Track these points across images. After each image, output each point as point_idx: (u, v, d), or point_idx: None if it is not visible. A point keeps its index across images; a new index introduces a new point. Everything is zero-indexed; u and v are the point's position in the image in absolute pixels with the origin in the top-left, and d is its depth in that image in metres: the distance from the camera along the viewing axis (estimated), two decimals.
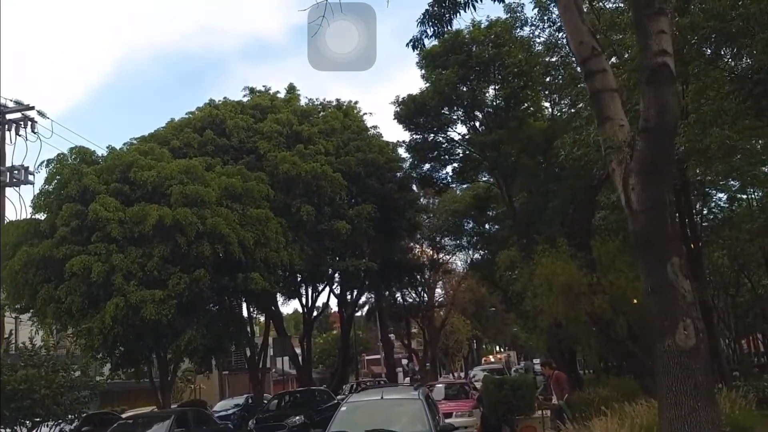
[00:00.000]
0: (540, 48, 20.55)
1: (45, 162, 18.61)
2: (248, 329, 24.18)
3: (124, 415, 21.21)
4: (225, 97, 25.17)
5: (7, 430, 14.22)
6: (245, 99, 25.42)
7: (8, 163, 23.82)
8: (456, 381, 23.31)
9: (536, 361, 60.69)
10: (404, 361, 55.29)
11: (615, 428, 7.88)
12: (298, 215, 20.98)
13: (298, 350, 30.03)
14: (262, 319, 32.68)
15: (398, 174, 27.39)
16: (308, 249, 21.49)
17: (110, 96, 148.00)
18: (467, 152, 27.11)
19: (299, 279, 25.96)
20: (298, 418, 16.97)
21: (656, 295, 6.06)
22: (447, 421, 12.30)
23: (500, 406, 11.48)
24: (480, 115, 26.15)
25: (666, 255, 5.96)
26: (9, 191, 23.65)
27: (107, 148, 19.97)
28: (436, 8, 9.66)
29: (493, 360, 49.64)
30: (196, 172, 17.82)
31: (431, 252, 38.53)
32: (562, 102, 22.01)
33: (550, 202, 23.14)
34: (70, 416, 15.11)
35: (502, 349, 73.75)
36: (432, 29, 9.89)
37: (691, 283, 5.97)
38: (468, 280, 42.77)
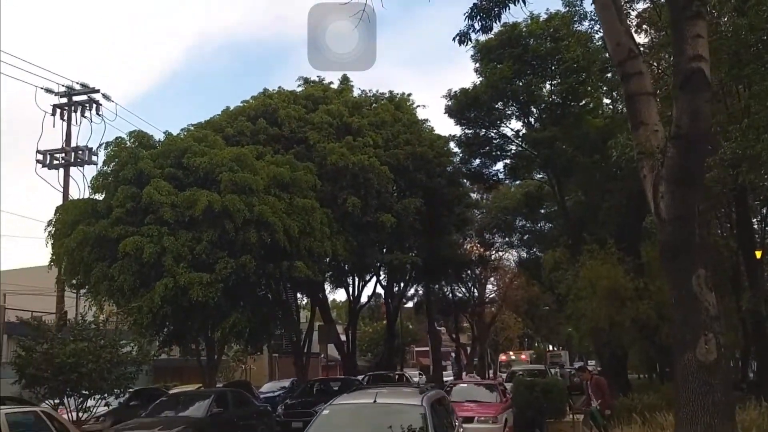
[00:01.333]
0: (599, 43, 20.05)
1: (104, 144, 19.37)
2: (293, 315, 24.62)
3: (171, 392, 22.07)
4: (279, 87, 25.55)
5: (56, 400, 15.00)
6: (299, 89, 25.72)
7: (73, 144, 25.13)
8: (483, 381, 20.74)
9: (591, 362, 59.70)
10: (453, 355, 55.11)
11: None
12: (343, 207, 21.17)
13: (344, 338, 30.40)
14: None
15: (448, 168, 27.22)
16: (353, 240, 21.68)
17: (179, 83, 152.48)
18: (520, 148, 26.74)
19: (346, 269, 26.22)
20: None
21: (680, 307, 5.90)
22: (467, 426, 11.56)
23: (530, 408, 11.32)
24: (535, 111, 25.73)
25: (692, 266, 5.78)
26: (74, 171, 24.99)
27: (164, 133, 20.64)
28: (484, 2, 9.53)
29: (513, 357, 42.21)
30: (247, 160, 18.20)
31: (481, 248, 38.22)
32: (621, 99, 21.42)
33: (605, 202, 22.63)
34: (116, 391, 15.75)
35: (549, 347, 72.44)
36: (480, 23, 9.76)
37: (716, 296, 5.77)
38: (520, 278, 42.32)
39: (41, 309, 25.60)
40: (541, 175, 27.94)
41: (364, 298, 31.95)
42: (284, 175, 18.79)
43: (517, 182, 30.71)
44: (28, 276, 33.95)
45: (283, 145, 22.61)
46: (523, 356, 42.65)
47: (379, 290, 33.78)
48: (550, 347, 73.26)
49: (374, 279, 30.32)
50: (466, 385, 18.10)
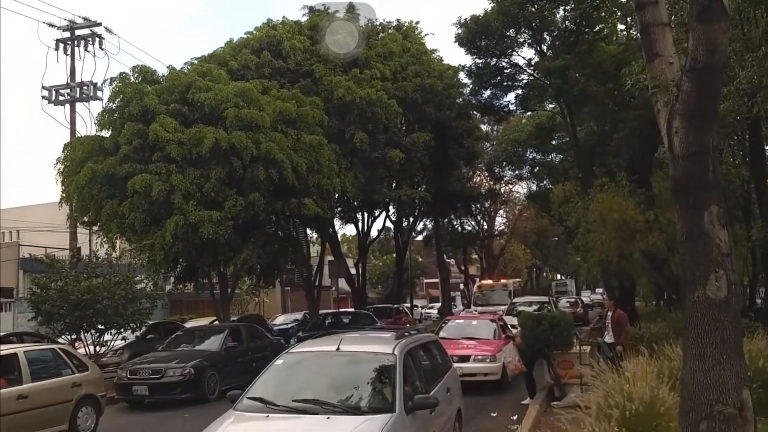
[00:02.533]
0: None
1: (109, 80, 19.14)
2: (304, 251, 24.87)
3: (186, 325, 22.63)
4: (284, 17, 24.89)
5: (73, 336, 15.39)
6: (303, 18, 25.03)
7: (78, 79, 24.83)
8: (480, 316, 18.48)
9: (598, 290, 60.32)
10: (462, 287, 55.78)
11: (646, 371, 7.78)
12: (351, 142, 20.99)
13: (354, 272, 30.77)
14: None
15: (458, 100, 26.73)
16: (361, 177, 21.61)
17: (181, 14, 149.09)
18: (532, 78, 26.11)
19: (355, 204, 26.26)
20: None
21: (691, 244, 5.81)
22: (462, 365, 11.06)
23: (537, 341, 11.45)
24: (548, 38, 24.97)
25: (704, 203, 5.67)
26: (79, 107, 24.79)
27: (168, 67, 20.31)
28: None
29: (493, 285, 32.70)
30: (252, 95, 17.93)
31: (491, 181, 38.04)
32: (636, 25, 20.69)
33: (617, 132, 22.26)
34: (132, 325, 16.12)
35: (558, 276, 73.07)
36: None
37: (729, 233, 5.68)
38: (529, 210, 42.31)
39: (54, 245, 26.03)
40: (552, 106, 27.41)
41: (373, 233, 32.18)
42: (290, 111, 18.55)
43: (528, 113, 30.20)
44: (40, 212, 34.39)
45: (289, 78, 22.21)
46: (503, 284, 32.48)
47: (389, 225, 33.94)
48: (558, 276, 74.03)
49: (383, 214, 30.45)
50: (461, 320, 16.60)
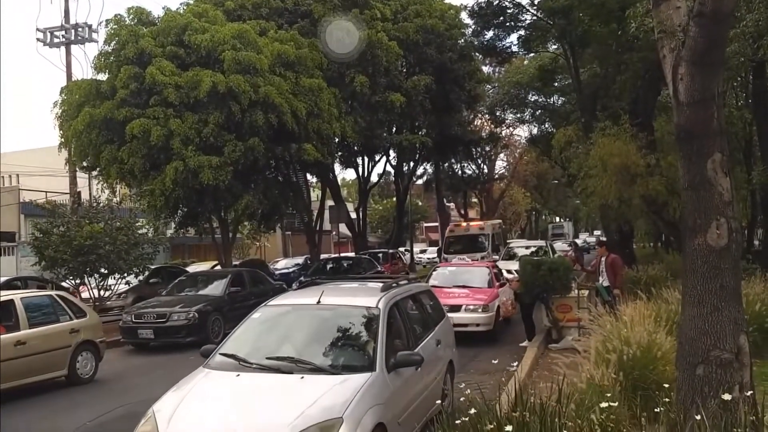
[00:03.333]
0: None
1: (105, 22, 18.75)
2: (304, 196, 24.88)
3: (189, 269, 22.89)
4: None
5: (77, 280, 15.58)
6: None
7: (72, 21, 24.32)
8: (473, 263, 17.22)
9: (597, 233, 60.70)
10: None
11: (644, 315, 7.90)
12: (351, 86, 20.68)
13: (355, 216, 30.87)
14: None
15: (459, 42, 26.21)
16: (361, 121, 21.39)
17: None
18: (535, 18, 25.53)
19: (355, 149, 26.11)
20: None
21: (692, 192, 5.80)
22: (453, 315, 10.10)
23: (536, 285, 11.60)
24: None
25: (708, 150, 5.63)
26: (75, 49, 24.37)
27: (163, 8, 19.85)
28: None
29: (465, 225, 28.84)
30: (249, 37, 17.57)
31: (492, 125, 37.69)
32: None
33: (620, 75, 21.95)
34: (135, 270, 16.28)
35: (557, 219, 73.33)
36: None
37: (731, 181, 5.67)
38: (530, 154, 42.12)
39: (54, 189, 26.04)
40: (555, 47, 26.91)
41: (374, 178, 32.18)
42: (289, 53, 18.21)
43: (531, 55, 29.66)
44: (39, 156, 34.23)
45: (287, 19, 21.72)
46: (481, 226, 27.62)
47: (389, 169, 33.86)
48: (557, 219, 74.36)
49: (384, 159, 30.32)
50: (453, 267, 15.39)
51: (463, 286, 13.22)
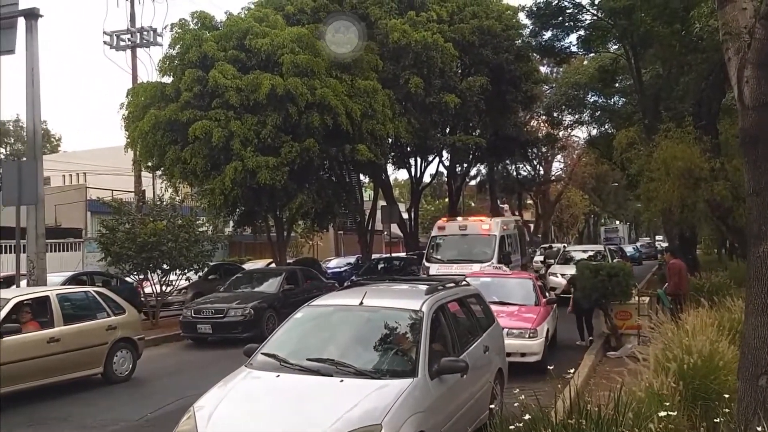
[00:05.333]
0: None
1: (169, 26, 19.40)
2: (357, 196, 25.10)
3: (245, 266, 23.43)
4: None
5: (141, 276, 16.18)
6: None
7: (138, 25, 25.22)
8: (514, 273, 14.25)
9: (658, 238, 58.82)
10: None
11: (706, 323, 7.69)
12: (406, 87, 20.75)
13: (406, 216, 30.92)
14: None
15: (516, 42, 25.91)
16: (415, 122, 21.43)
17: None
18: (595, 18, 25.02)
19: (408, 150, 26.16)
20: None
21: (758, 198, 5.63)
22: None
23: (594, 291, 11.35)
24: None
25: None
26: (140, 52, 25.26)
27: (225, 13, 20.37)
28: None
29: (461, 222, 19.63)
30: (307, 40, 17.88)
31: (549, 126, 37.10)
32: None
33: (684, 76, 21.34)
34: (195, 266, 16.79)
35: (616, 223, 71.47)
36: None
37: None
38: (589, 155, 41.26)
39: (120, 188, 27.07)
40: (616, 47, 26.30)
41: (426, 178, 32.11)
42: (345, 56, 18.43)
43: (591, 55, 29.05)
44: (106, 156, 35.65)
45: (344, 23, 21.94)
46: (483, 226, 18.98)
47: (442, 170, 33.73)
48: (617, 223, 72.50)
49: (437, 159, 30.25)
50: (487, 278, 11.81)
51: (502, 303, 10.47)
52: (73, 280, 15.59)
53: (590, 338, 11.94)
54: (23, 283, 12.81)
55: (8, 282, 14.52)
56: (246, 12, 21.29)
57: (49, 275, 13.81)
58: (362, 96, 18.33)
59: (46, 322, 9.34)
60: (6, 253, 19.30)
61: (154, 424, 7.70)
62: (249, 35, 17.83)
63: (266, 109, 17.02)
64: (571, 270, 15.77)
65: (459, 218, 21.15)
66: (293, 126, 17.31)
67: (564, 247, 30.51)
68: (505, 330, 8.73)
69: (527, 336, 9.79)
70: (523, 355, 9.51)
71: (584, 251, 23.53)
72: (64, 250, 21.92)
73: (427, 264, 18.38)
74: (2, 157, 52.31)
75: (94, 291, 10.99)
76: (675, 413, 4.67)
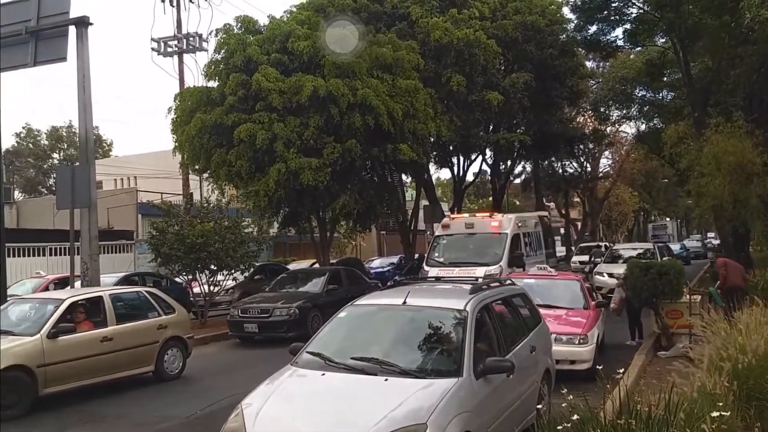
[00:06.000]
0: None
1: (214, 31, 19.77)
2: (399, 196, 25.10)
3: (289, 267, 23.71)
4: None
5: (190, 276, 16.55)
6: None
7: (184, 31, 25.81)
8: (560, 274, 12.74)
9: (710, 235, 57.00)
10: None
11: (761, 322, 7.43)
12: (448, 85, 20.63)
13: None
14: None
15: (561, 37, 25.50)
16: (457, 120, 21.30)
17: None
18: (641, 12, 24.44)
19: (450, 149, 26.02)
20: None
21: None
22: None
23: (645, 290, 11.07)
24: None
25: None
26: (186, 58, 25.84)
27: (268, 17, 20.66)
28: None
29: (467, 220, 18.00)
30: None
31: (595, 122, 36.37)
32: None
33: (734, 69, 20.67)
34: (241, 266, 17.09)
35: (666, 220, 69.64)
36: None
37: None
38: (637, 151, 40.28)
39: (168, 191, 27.72)
40: (663, 41, 25.62)
41: (469, 177, 31.87)
42: (386, 56, 18.48)
43: (638, 49, 28.37)
44: (156, 160, 36.57)
45: (385, 22, 22.03)
46: (493, 223, 17.23)
47: (485, 168, 33.45)
48: (667, 220, 70.62)
49: (480, 158, 30.01)
50: (531, 280, 11.03)
51: (548, 306, 9.87)
52: (125, 281, 16.06)
53: (640, 339, 11.70)
54: (77, 284, 13.24)
55: (63, 283, 15.07)
56: (288, 15, 21.52)
57: (102, 276, 14.22)
58: (404, 95, 18.33)
59: (100, 321, 9.68)
60: (60, 255, 19.97)
61: (204, 422, 7.85)
62: (291, 38, 18.01)
63: (308, 111, 17.18)
64: (617, 269, 15.37)
65: (466, 215, 19.39)
66: (335, 127, 17.43)
67: (606, 246, 29.76)
68: (553, 335, 8.23)
69: (577, 342, 9.22)
70: (572, 362, 8.99)
71: (633, 249, 23.01)
72: (116, 252, 22.57)
73: (426, 267, 16.38)
74: (56, 162, 54.23)
75: (146, 291, 11.31)
76: (728, 413, 4.53)
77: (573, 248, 39.22)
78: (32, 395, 8.53)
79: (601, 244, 34.51)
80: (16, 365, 8.36)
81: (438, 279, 8.34)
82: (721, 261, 12.28)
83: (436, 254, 17.14)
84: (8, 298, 10.92)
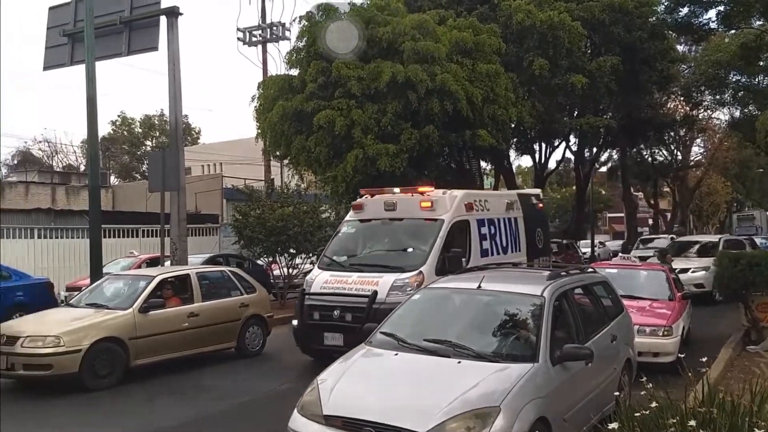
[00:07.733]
0: None
1: (297, 19, 20.11)
2: (477, 183, 24.78)
3: None
4: None
5: (270, 258, 17.04)
6: None
7: (268, 20, 26.46)
8: (643, 265, 12.41)
9: None
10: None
11: None
12: (530, 70, 20.10)
13: None
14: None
15: (650, 20, 24.37)
16: (539, 105, 20.77)
17: None
18: None
19: (532, 135, 25.44)
20: None
21: None
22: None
23: (735, 281, 10.49)
24: None
25: None
26: (270, 47, 26.53)
27: (349, 4, 20.79)
28: None
29: (388, 198, 11.18)
30: (428, 26, 17.84)
31: (687, 107, 34.61)
32: None
33: None
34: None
35: (755, 209, 65.46)
36: None
37: None
38: (731, 139, 38.10)
39: (251, 177, 28.60)
40: (760, 23, 24.01)
41: (551, 164, 31.12)
42: (467, 40, 18.22)
43: (732, 32, 26.74)
44: (240, 147, 37.81)
45: (466, 6, 21.71)
46: (423, 203, 10.91)
47: (569, 155, 32.49)
48: (757, 211, 66.51)
49: (563, 144, 29.17)
50: (614, 270, 10.45)
51: (631, 297, 9.35)
52: (210, 261, 16.74)
53: None
54: (167, 263, 13.92)
55: (154, 262, 15.89)
56: (368, 1, 21.60)
57: (190, 257, 14.91)
58: (483, 80, 18.04)
59: (187, 298, 10.23)
60: (151, 236, 21.03)
61: (283, 396, 8.11)
62: (371, 24, 18.08)
63: (386, 97, 17.21)
64: (688, 263, 14.64)
65: (396, 190, 11.75)
66: (413, 113, 17.39)
67: (672, 238, 27.75)
68: (636, 327, 8.00)
69: (661, 334, 8.90)
70: (655, 355, 8.68)
71: (695, 242, 20.91)
72: (202, 235, 23.52)
73: (315, 272, 10.91)
74: (149, 149, 56.95)
75: (229, 271, 11.83)
76: None
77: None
78: (124, 366, 9.06)
79: (664, 236, 31.51)
80: (110, 337, 8.93)
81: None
82: None
83: (336, 249, 11.29)
84: (104, 275, 11.60)
